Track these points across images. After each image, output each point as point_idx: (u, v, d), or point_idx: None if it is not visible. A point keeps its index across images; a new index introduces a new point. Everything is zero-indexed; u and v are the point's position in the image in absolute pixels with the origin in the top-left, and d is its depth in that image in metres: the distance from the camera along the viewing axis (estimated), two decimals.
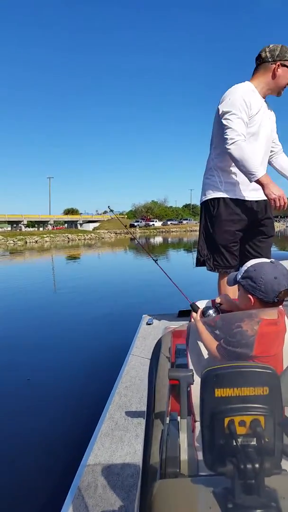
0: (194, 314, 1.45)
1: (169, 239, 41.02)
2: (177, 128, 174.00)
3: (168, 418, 0.83)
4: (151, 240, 40.88)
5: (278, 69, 2.27)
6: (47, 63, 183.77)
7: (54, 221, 68.61)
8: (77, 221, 71.58)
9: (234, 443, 0.45)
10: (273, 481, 0.45)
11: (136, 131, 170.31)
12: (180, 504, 0.47)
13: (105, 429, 1.68)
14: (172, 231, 60.35)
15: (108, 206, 2.86)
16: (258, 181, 2.17)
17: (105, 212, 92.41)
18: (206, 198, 2.41)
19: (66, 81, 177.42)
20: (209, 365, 0.72)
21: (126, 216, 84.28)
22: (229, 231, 2.35)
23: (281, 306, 1.38)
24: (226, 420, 0.46)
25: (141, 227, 66.61)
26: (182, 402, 0.51)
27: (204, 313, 1.39)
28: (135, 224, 67.52)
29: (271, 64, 2.27)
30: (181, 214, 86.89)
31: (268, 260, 1.34)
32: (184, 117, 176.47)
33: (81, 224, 69.85)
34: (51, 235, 41.96)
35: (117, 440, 1.59)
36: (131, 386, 1.94)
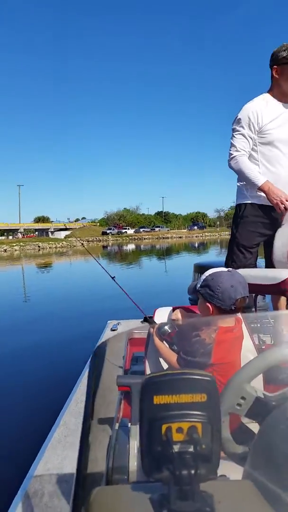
0: (151, 329, 1.45)
1: (142, 246, 41.21)
2: (149, 135, 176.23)
3: (117, 424, 0.82)
4: (124, 247, 40.93)
5: (276, 74, 2.32)
6: (14, 67, 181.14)
7: (24, 229, 67.20)
8: (48, 229, 70.47)
9: (171, 450, 0.45)
10: (209, 486, 0.46)
11: (108, 138, 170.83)
12: (115, 511, 0.47)
13: (58, 436, 1.64)
14: (144, 239, 60.67)
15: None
16: (260, 189, 2.29)
17: (76, 220, 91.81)
18: (235, 203, 2.55)
19: (33, 86, 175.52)
20: None
21: (98, 224, 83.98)
22: (251, 232, 2.42)
23: (238, 313, 1.42)
24: (164, 427, 0.47)
25: (113, 234, 66.49)
26: (133, 408, 0.50)
27: (160, 329, 1.40)
28: (108, 231, 67.35)
29: (272, 69, 2.32)
30: (154, 221, 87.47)
31: (226, 269, 1.38)
32: (156, 125, 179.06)
33: (52, 232, 68.75)
34: (21, 244, 41.06)
35: (69, 447, 1.55)
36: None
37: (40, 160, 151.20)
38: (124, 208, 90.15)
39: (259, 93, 2.46)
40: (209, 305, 1.34)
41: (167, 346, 1.42)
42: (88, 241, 54.36)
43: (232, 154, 2.38)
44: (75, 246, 44.47)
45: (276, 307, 2.44)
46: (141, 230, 72.25)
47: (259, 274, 1.98)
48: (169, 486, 0.45)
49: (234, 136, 2.38)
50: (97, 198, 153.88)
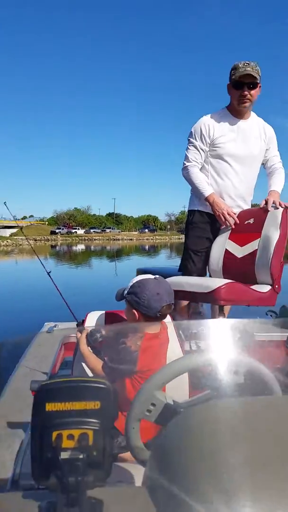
0: (78, 334, 1.44)
1: (92, 247, 40.76)
2: (101, 136, 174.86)
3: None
4: (73, 247, 40.17)
5: (228, 90, 2.42)
6: None
7: None
8: None
9: (59, 457, 0.46)
10: (100, 492, 0.47)
11: (61, 136, 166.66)
12: None
13: None
14: (94, 239, 60.09)
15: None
16: (206, 200, 2.42)
17: (24, 218, 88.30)
18: (187, 210, 2.67)
19: None
20: None
21: (47, 223, 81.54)
22: (199, 237, 2.51)
23: (164, 320, 1.46)
24: (54, 434, 0.48)
25: (62, 234, 64.97)
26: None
27: (91, 335, 1.38)
28: (57, 231, 65.65)
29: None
30: (105, 222, 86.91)
31: (153, 277, 1.42)
32: (110, 125, 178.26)
33: None
34: None
35: None
36: (15, 397, 1.84)
37: None
38: (75, 208, 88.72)
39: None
40: (135, 312, 1.37)
41: (95, 352, 1.40)
42: (35, 240, 52.53)
43: (184, 164, 2.51)
44: (21, 245, 42.75)
45: (213, 315, 2.55)
46: (92, 230, 71.38)
47: (195, 282, 2.07)
48: (56, 493, 0.45)
49: (188, 147, 2.50)
50: (46, 197, 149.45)
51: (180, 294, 2.11)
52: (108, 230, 74.10)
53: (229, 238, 2.36)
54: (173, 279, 2.21)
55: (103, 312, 1.73)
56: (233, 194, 2.46)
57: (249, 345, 0.87)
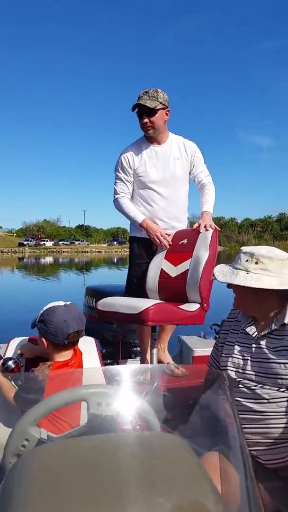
0: None
1: (60, 260, 40.14)
2: (73, 148, 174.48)
3: None
4: (41, 260, 39.38)
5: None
6: None
7: None
8: None
9: None
10: None
11: (31, 145, 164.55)
12: None
13: None
14: (63, 252, 59.26)
15: None
16: (141, 226, 2.48)
17: None
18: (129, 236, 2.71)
19: None
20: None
21: (15, 234, 79.65)
22: (139, 263, 2.56)
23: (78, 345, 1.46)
24: None
25: (31, 246, 63.62)
26: None
27: (3, 364, 1.40)
28: (25, 242, 64.23)
29: None
30: (74, 234, 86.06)
31: (63, 303, 1.42)
32: (80, 136, 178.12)
33: None
34: None
35: None
36: None
37: None
38: (44, 220, 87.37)
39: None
40: (44, 340, 1.37)
41: (10, 380, 1.39)
42: (2, 252, 51.11)
43: (114, 197, 2.59)
44: None
45: (141, 335, 2.57)
46: (60, 243, 70.47)
47: (126, 303, 2.07)
48: None
49: (115, 181, 2.58)
50: (15, 208, 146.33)
51: (113, 315, 2.13)
52: (77, 243, 73.32)
53: (164, 258, 2.40)
54: (107, 300, 2.22)
55: (27, 338, 1.71)
56: (164, 217, 2.52)
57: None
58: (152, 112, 2.36)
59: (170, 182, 2.50)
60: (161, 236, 2.41)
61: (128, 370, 0.97)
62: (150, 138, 2.50)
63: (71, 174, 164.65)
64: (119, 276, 19.46)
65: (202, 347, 2.78)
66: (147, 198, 2.53)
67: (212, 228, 2.29)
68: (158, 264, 2.42)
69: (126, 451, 0.59)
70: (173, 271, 2.33)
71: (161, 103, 2.37)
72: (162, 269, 2.38)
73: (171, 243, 2.40)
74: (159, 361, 2.58)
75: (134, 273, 2.58)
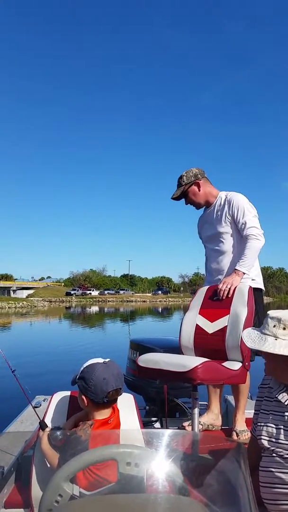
0: (40, 433, 1.48)
1: (105, 309, 40.61)
2: (117, 196, 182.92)
3: None
4: (87, 309, 40.13)
5: None
6: None
7: None
8: (10, 287, 68.22)
9: None
10: None
11: (76, 197, 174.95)
12: None
13: None
14: (108, 301, 59.96)
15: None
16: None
17: (41, 279, 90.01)
18: (200, 271, 3.07)
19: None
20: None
21: (63, 284, 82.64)
22: None
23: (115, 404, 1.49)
24: None
25: (77, 295, 65.38)
26: None
27: (52, 433, 1.44)
28: (72, 292, 66.22)
29: None
30: (119, 283, 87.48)
31: (102, 361, 1.46)
32: (124, 186, 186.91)
33: (14, 291, 66.56)
34: None
35: None
36: None
37: (5, 216, 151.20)
38: (90, 269, 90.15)
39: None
40: (84, 398, 1.40)
41: (55, 449, 1.41)
42: (50, 302, 52.87)
43: None
44: (35, 306, 43.01)
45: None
46: (106, 292, 71.70)
47: (171, 360, 2.03)
48: None
49: None
50: (63, 258, 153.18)
51: (155, 372, 2.08)
52: (122, 292, 74.20)
53: (199, 313, 2.39)
54: (149, 356, 2.18)
55: (69, 393, 1.77)
56: (214, 271, 2.71)
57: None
58: (183, 196, 2.73)
59: (216, 239, 2.70)
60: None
61: (162, 433, 0.98)
62: (205, 204, 2.79)
63: (116, 224, 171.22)
64: (164, 328, 19.22)
65: (249, 409, 2.65)
66: (206, 256, 2.87)
67: (226, 291, 2.32)
68: (193, 320, 2.39)
69: (151, 511, 0.61)
70: (210, 327, 2.29)
71: (186, 184, 2.69)
72: (197, 324, 2.36)
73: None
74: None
75: None
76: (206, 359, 2.04)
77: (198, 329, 2.34)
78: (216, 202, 2.72)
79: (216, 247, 2.69)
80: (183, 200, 2.78)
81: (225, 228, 2.63)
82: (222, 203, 2.67)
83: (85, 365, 1.45)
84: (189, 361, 1.95)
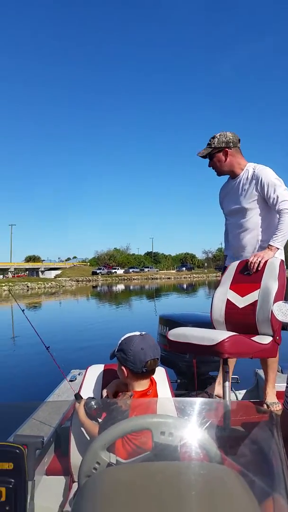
0: (76, 404, 1.55)
1: (131, 287, 41.10)
2: (139, 176, 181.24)
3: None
4: (113, 287, 40.77)
5: None
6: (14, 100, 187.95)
7: (15, 269, 66.73)
8: (38, 268, 70.08)
9: None
10: None
11: (98, 177, 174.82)
12: None
13: None
14: (133, 279, 60.57)
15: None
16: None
17: (67, 260, 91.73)
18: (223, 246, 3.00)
19: (27, 123, 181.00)
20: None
21: (88, 264, 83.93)
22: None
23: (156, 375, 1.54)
24: None
25: (103, 274, 66.35)
26: (28, 465, 0.61)
27: (87, 404, 1.50)
28: (97, 271, 67.24)
29: None
30: (143, 261, 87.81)
31: (138, 333, 1.52)
32: (145, 166, 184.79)
33: (42, 272, 68.35)
34: (10, 284, 40.63)
35: None
36: None
37: (32, 199, 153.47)
38: (115, 248, 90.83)
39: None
40: (124, 369, 1.47)
41: (91, 419, 1.49)
42: (77, 281, 54.01)
43: None
44: (63, 286, 44.10)
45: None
46: (131, 270, 72.27)
47: (199, 334, 2.07)
48: None
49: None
50: (88, 238, 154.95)
51: (185, 346, 2.12)
52: (146, 270, 74.62)
53: (230, 288, 2.40)
54: (179, 331, 2.23)
55: (102, 366, 1.84)
56: (236, 246, 2.67)
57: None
58: (208, 157, 2.64)
59: (240, 214, 2.62)
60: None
61: (195, 402, 1.00)
62: (228, 173, 2.71)
63: (139, 202, 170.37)
64: (190, 303, 19.30)
65: (279, 382, 2.66)
66: (228, 228, 2.79)
67: (256, 264, 2.30)
68: (224, 295, 2.41)
69: (186, 479, 0.63)
70: (241, 302, 2.31)
71: (215, 147, 2.57)
72: (228, 299, 2.38)
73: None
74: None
75: None
76: (233, 333, 2.05)
77: (229, 304, 2.35)
78: (242, 174, 2.61)
79: (240, 223, 2.62)
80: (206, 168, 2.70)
81: (251, 204, 2.56)
82: (250, 177, 2.57)
83: (122, 338, 1.51)
84: (216, 335, 1.98)
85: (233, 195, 2.65)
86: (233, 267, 2.47)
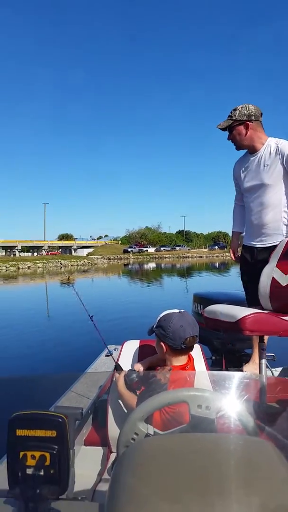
0: (116, 375, 1.60)
1: (162, 265, 41.26)
2: (172, 154, 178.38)
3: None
4: (144, 265, 41.12)
5: None
6: (42, 85, 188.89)
7: (49, 247, 68.81)
8: (71, 246, 71.83)
9: (24, 472, 0.59)
10: (56, 505, 0.60)
11: (131, 156, 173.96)
12: None
13: None
14: (165, 257, 60.66)
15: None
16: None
17: (99, 238, 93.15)
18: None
19: (60, 103, 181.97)
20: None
21: (120, 242, 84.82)
22: (245, 271, 2.79)
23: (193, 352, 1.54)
24: (21, 453, 0.61)
25: (134, 253, 66.93)
26: (70, 435, 0.64)
27: (128, 376, 1.55)
28: (129, 250, 67.90)
29: None
30: (175, 240, 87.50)
31: (177, 311, 1.52)
32: (177, 143, 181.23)
33: (75, 250, 70.04)
34: (44, 261, 42.02)
35: None
36: None
37: (65, 178, 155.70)
38: (146, 227, 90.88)
39: None
40: (163, 344, 1.49)
41: (130, 390, 1.53)
42: (109, 259, 54.91)
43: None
44: (95, 264, 45.04)
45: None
46: (162, 249, 72.37)
47: (226, 311, 2.09)
48: (20, 502, 0.59)
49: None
50: (120, 217, 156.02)
51: (216, 323, 2.17)
52: (178, 248, 74.38)
53: (276, 266, 2.37)
54: (212, 308, 2.27)
55: (138, 341, 1.86)
56: (256, 224, 2.61)
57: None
58: (227, 130, 2.56)
59: (260, 190, 2.53)
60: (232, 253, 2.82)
61: (230, 376, 1.01)
62: (248, 148, 2.60)
63: (170, 181, 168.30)
64: (223, 282, 19.15)
65: None
66: (246, 206, 2.69)
67: None
68: (270, 272, 2.40)
69: (224, 449, 0.63)
70: (284, 279, 2.27)
71: (236, 120, 2.48)
72: (273, 277, 2.35)
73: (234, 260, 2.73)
74: None
75: (244, 281, 2.76)
76: (258, 310, 2.05)
77: (274, 282, 2.33)
78: (264, 150, 2.50)
79: (261, 199, 2.53)
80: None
81: (275, 180, 2.47)
82: (272, 152, 2.47)
83: (161, 315, 1.53)
84: (239, 312, 2.00)
85: (254, 171, 2.55)
86: (282, 244, 2.42)
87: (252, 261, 2.63)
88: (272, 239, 2.51)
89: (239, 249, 2.85)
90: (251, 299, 2.57)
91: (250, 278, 2.60)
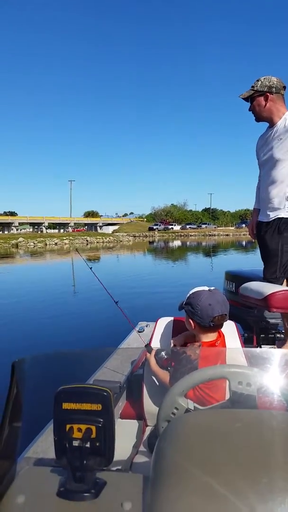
0: (147, 354, 1.62)
1: (188, 243, 40.98)
2: (197, 132, 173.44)
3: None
4: (170, 243, 41.00)
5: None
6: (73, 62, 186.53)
7: (75, 223, 69.69)
8: (97, 223, 72.41)
9: (71, 444, 0.60)
10: (102, 475, 0.60)
11: (157, 134, 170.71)
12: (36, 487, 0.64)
13: None
14: (190, 235, 60.16)
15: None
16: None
17: (125, 215, 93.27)
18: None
19: (85, 84, 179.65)
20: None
21: (145, 219, 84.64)
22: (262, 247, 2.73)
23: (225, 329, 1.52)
24: (68, 426, 0.61)
25: (160, 230, 66.71)
26: (111, 409, 0.65)
27: (157, 354, 1.58)
28: (154, 227, 67.68)
29: None
30: (201, 218, 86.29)
31: (207, 288, 1.49)
32: (204, 121, 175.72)
33: (100, 227, 70.60)
34: (71, 238, 42.73)
35: None
36: None
37: (91, 155, 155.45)
38: (172, 204, 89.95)
39: None
40: (191, 321, 1.47)
41: (161, 368, 1.56)
42: (134, 237, 55.09)
43: None
44: (121, 241, 45.33)
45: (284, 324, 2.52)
46: (188, 226, 71.70)
47: (255, 288, 2.09)
48: (68, 471, 0.59)
49: None
50: (145, 194, 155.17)
51: (249, 300, 2.16)
52: (203, 226, 73.43)
53: None
54: (245, 285, 2.24)
55: (172, 318, 1.86)
56: (265, 199, 2.58)
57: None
58: (249, 100, 2.52)
59: (271, 165, 2.48)
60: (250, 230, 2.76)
61: (268, 353, 1.01)
62: (266, 120, 2.55)
63: (196, 157, 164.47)
64: (250, 260, 18.86)
65: None
66: (260, 179, 2.67)
67: None
68: None
69: (267, 425, 0.63)
70: None
71: (257, 90, 2.44)
72: None
73: (253, 239, 2.67)
74: None
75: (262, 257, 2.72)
76: (286, 288, 2.01)
77: None
78: (280, 123, 2.42)
79: (269, 174, 2.49)
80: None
81: (282, 154, 2.40)
82: (287, 125, 2.40)
83: (191, 292, 1.51)
84: (266, 289, 2.00)
85: (268, 145, 2.50)
86: None
87: (260, 237, 2.63)
88: (274, 214, 2.48)
89: None
90: (267, 274, 2.54)
91: (263, 253, 2.61)
